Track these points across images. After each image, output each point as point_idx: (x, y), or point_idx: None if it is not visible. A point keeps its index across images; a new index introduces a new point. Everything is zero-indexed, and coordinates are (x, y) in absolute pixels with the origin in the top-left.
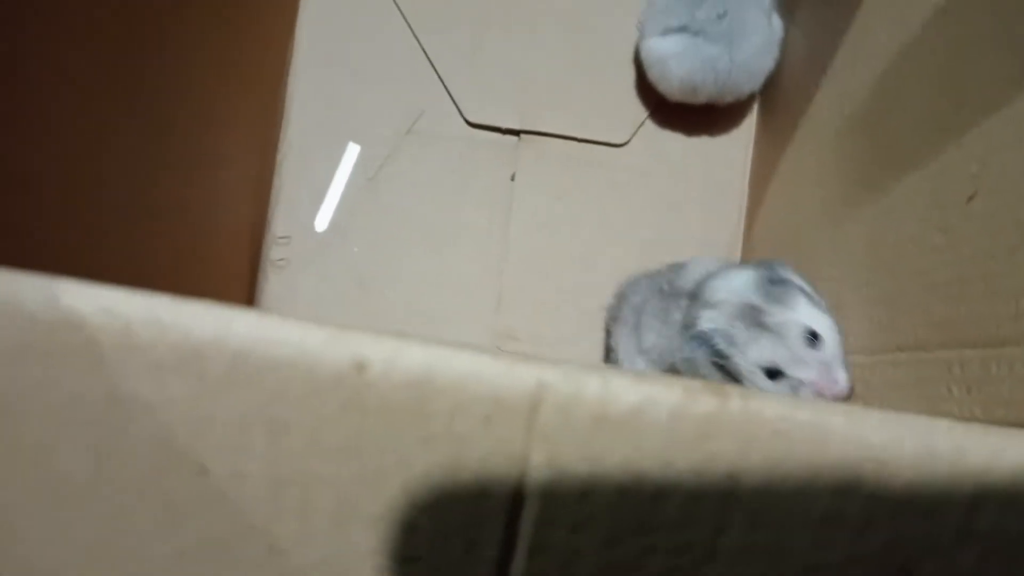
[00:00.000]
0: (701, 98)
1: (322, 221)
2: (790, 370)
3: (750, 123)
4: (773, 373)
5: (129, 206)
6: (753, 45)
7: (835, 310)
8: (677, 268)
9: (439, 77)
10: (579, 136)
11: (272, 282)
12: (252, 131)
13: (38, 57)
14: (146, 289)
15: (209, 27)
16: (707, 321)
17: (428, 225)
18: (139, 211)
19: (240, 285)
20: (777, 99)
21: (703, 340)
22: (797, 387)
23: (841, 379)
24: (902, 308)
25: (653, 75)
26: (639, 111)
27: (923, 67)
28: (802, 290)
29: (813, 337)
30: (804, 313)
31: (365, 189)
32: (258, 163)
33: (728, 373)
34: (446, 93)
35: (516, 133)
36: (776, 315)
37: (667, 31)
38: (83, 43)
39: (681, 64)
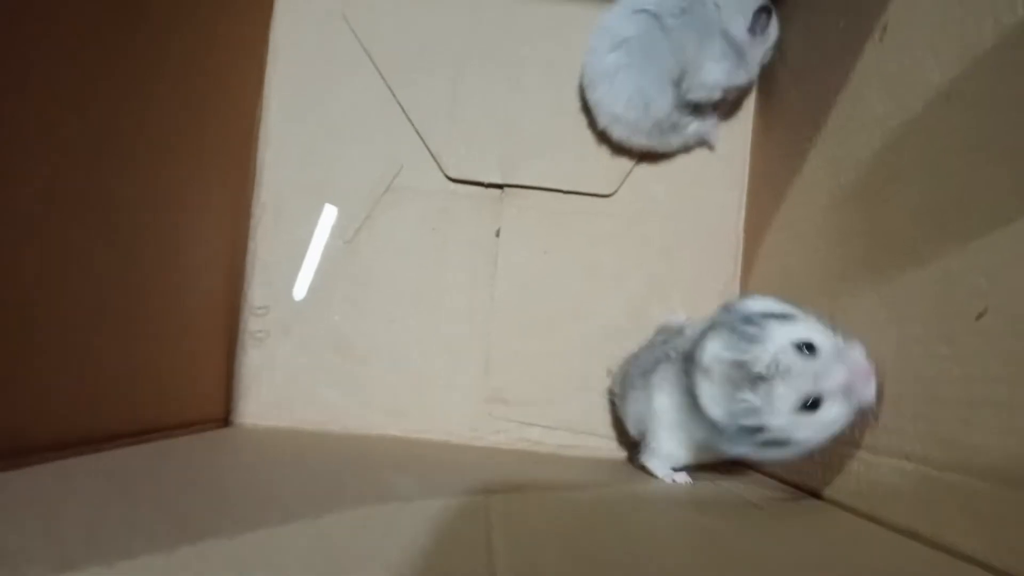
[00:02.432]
0: (654, 111)
1: (300, 289)
2: (820, 387)
3: (743, 169)
4: (813, 404)
5: (105, 284)
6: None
7: None
8: (672, 334)
9: (416, 132)
10: (565, 188)
11: (251, 354)
12: (224, 199)
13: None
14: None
15: (175, 95)
16: (711, 402)
17: (410, 286)
18: (116, 289)
19: (218, 358)
20: (770, 147)
21: (741, 429)
22: (836, 395)
23: (860, 362)
24: (906, 414)
25: (599, 64)
26: (626, 160)
27: (921, 155)
28: (770, 315)
29: (807, 349)
30: (781, 335)
31: (343, 252)
32: (232, 232)
33: (773, 441)
34: (424, 148)
35: (499, 187)
36: (762, 356)
37: (628, 9)
38: (55, 122)
39: (631, 49)
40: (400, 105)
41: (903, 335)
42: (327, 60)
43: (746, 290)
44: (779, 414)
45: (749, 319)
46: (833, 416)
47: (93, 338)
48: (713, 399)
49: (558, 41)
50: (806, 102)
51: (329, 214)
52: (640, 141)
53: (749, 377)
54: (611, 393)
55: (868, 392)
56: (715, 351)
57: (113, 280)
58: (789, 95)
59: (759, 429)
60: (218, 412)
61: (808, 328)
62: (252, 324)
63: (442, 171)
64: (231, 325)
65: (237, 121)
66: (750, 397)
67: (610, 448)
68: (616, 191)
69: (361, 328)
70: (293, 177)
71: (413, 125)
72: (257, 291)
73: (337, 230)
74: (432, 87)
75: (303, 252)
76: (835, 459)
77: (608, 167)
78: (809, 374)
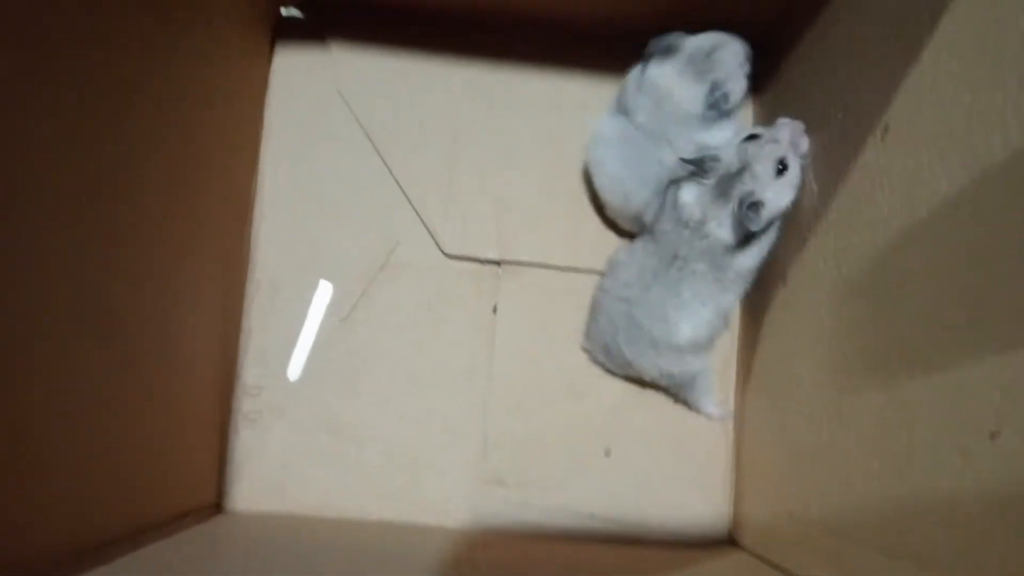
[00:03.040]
0: (631, 206)
1: (294, 369)
2: (782, 148)
3: None
4: (782, 168)
5: (96, 377)
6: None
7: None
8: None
9: (413, 207)
10: (561, 265)
11: (243, 436)
12: (218, 279)
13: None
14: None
15: (168, 174)
16: (720, 226)
17: (406, 365)
18: (108, 384)
19: (211, 442)
20: None
21: (748, 214)
22: (790, 153)
23: (792, 123)
24: (923, 531)
25: (589, 162)
26: (621, 236)
27: (930, 262)
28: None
29: (753, 137)
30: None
31: (339, 330)
32: (226, 311)
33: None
34: (421, 223)
35: (496, 263)
36: (729, 159)
37: (614, 112)
38: (54, 203)
39: (612, 149)
40: (396, 181)
41: (912, 439)
42: (322, 136)
43: (747, 367)
44: (766, 185)
45: (695, 160)
46: (796, 172)
47: (86, 438)
48: (719, 221)
49: (554, 118)
50: (807, 197)
51: (324, 291)
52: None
53: (731, 178)
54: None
55: (805, 141)
56: (691, 194)
57: (105, 373)
58: None
59: (759, 204)
60: (210, 497)
61: (747, 129)
62: (245, 405)
63: (439, 247)
64: (224, 407)
65: (231, 199)
66: (742, 186)
67: (609, 532)
68: None
69: (356, 408)
70: (288, 254)
71: (409, 201)
72: (251, 371)
73: (332, 307)
74: (428, 163)
75: (298, 331)
76: None
77: (604, 243)
78: (768, 147)
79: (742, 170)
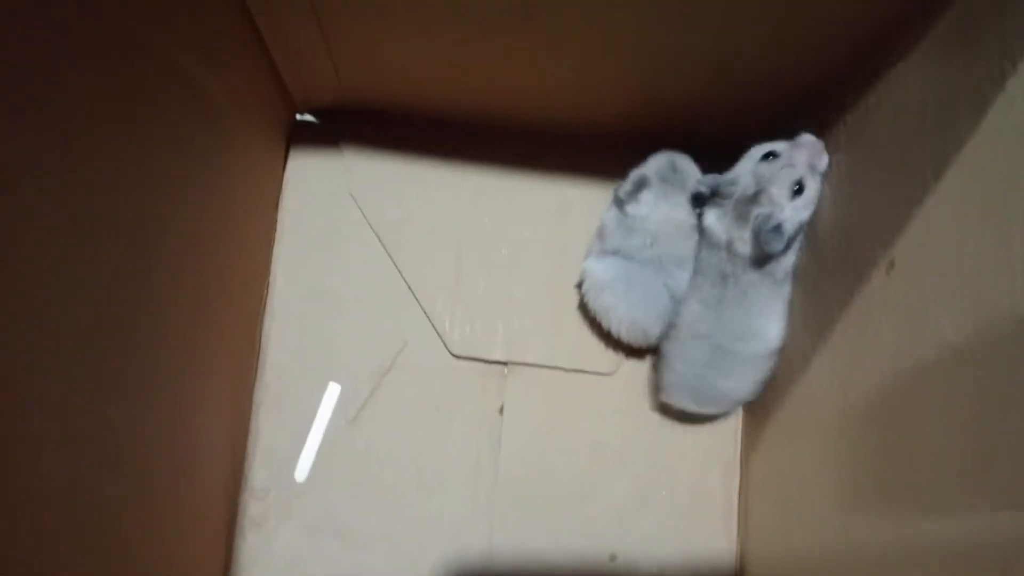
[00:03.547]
0: (652, 334)
1: (301, 471)
2: (799, 171)
3: None
4: (799, 189)
5: (107, 487)
6: (687, 273)
7: None
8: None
9: (422, 308)
10: (567, 366)
11: (249, 540)
12: (228, 382)
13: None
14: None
15: (181, 276)
16: (742, 243)
17: (413, 467)
18: (117, 489)
19: (216, 546)
20: None
21: (769, 237)
22: (807, 172)
23: (812, 141)
24: None
25: (595, 308)
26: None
27: (938, 413)
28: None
29: (771, 156)
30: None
31: (346, 432)
32: (234, 414)
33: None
34: (429, 324)
35: (503, 363)
36: (745, 181)
37: (603, 253)
38: (64, 294)
39: (617, 292)
40: (406, 282)
41: None
42: (334, 237)
43: (750, 473)
44: (783, 207)
45: (712, 187)
46: (813, 191)
47: (93, 546)
48: (743, 241)
49: (560, 222)
50: (807, 303)
51: (332, 393)
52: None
53: (748, 201)
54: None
55: (824, 159)
56: (713, 217)
57: (117, 488)
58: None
59: (778, 228)
60: None
61: (765, 145)
62: (252, 508)
63: (447, 348)
64: (230, 509)
65: (244, 302)
66: (759, 209)
67: None
68: (618, 370)
69: (363, 512)
70: (297, 355)
71: (418, 302)
72: (258, 473)
73: (340, 409)
74: (437, 265)
75: (306, 432)
76: None
77: (609, 346)
78: (785, 171)
79: (758, 193)
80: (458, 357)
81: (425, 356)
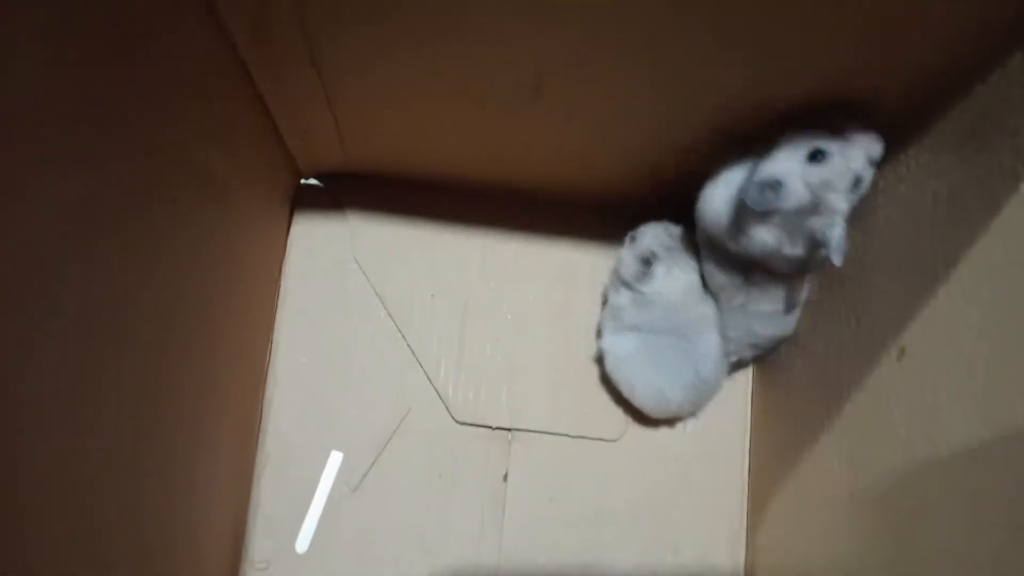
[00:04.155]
0: (672, 406)
1: (303, 541)
2: (857, 172)
3: (744, 418)
4: (856, 183)
5: (102, 540)
6: (710, 343)
7: None
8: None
9: (425, 374)
10: (571, 433)
11: None
12: (229, 453)
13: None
14: None
15: (190, 347)
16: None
17: (416, 535)
18: (113, 545)
19: None
20: (771, 406)
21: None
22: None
23: (869, 136)
24: None
25: (618, 381)
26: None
27: (953, 511)
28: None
29: (819, 156)
30: (793, 167)
31: (349, 500)
32: (235, 480)
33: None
34: (433, 390)
35: (507, 430)
36: (799, 192)
37: (620, 329)
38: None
39: (641, 366)
40: (409, 347)
41: None
42: (337, 302)
43: (756, 543)
44: (843, 211)
45: (762, 185)
46: (868, 180)
47: None
48: (792, 244)
49: (564, 287)
50: (814, 384)
51: (335, 460)
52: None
53: (804, 212)
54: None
55: (879, 148)
56: (764, 234)
57: (113, 551)
58: (792, 363)
59: (843, 234)
60: None
61: (806, 137)
62: None
63: (450, 414)
64: None
65: (247, 369)
66: (819, 221)
67: None
68: (623, 436)
69: None
70: (300, 422)
71: (422, 368)
72: (258, 545)
73: (343, 476)
74: (441, 330)
75: (308, 501)
76: None
77: (613, 413)
78: (843, 172)
79: (816, 204)
80: (462, 423)
81: (429, 422)
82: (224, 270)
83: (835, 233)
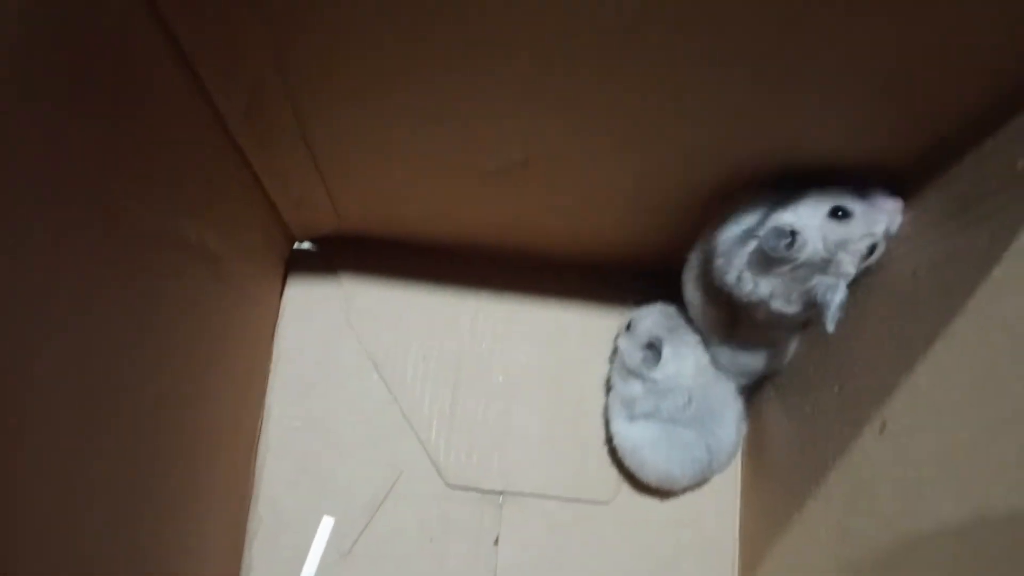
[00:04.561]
0: (680, 486)
1: None
2: (875, 236)
3: (736, 471)
4: (871, 250)
5: None
6: (728, 427)
7: None
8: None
9: (417, 438)
10: (564, 496)
11: None
12: (223, 521)
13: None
14: None
15: (183, 416)
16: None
17: None
18: None
19: None
20: (761, 467)
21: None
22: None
23: (891, 204)
24: None
25: (630, 464)
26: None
27: None
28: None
29: (841, 213)
30: (814, 221)
31: (340, 565)
32: (227, 546)
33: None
34: (425, 454)
35: (498, 493)
36: (812, 246)
37: (634, 417)
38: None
39: (656, 453)
40: (401, 411)
41: None
42: (330, 366)
43: None
44: (850, 275)
45: (779, 232)
46: (881, 251)
47: None
48: (787, 300)
49: (557, 349)
50: (802, 447)
51: (326, 525)
52: None
53: (813, 267)
54: None
55: (899, 221)
56: (768, 286)
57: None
58: (781, 423)
59: (844, 300)
60: None
61: (832, 193)
62: None
63: (441, 477)
64: None
65: (238, 434)
66: (824, 280)
67: None
68: (615, 497)
69: None
70: (291, 486)
71: (414, 431)
72: None
73: (334, 542)
74: (433, 392)
75: (299, 567)
76: None
77: (606, 475)
78: (862, 236)
79: (827, 262)
80: (453, 487)
81: (420, 486)
82: (217, 335)
83: (836, 298)
